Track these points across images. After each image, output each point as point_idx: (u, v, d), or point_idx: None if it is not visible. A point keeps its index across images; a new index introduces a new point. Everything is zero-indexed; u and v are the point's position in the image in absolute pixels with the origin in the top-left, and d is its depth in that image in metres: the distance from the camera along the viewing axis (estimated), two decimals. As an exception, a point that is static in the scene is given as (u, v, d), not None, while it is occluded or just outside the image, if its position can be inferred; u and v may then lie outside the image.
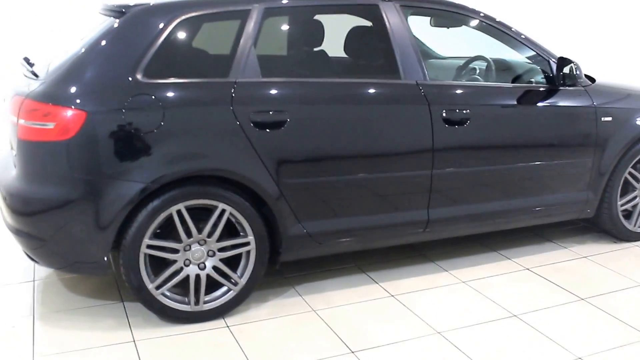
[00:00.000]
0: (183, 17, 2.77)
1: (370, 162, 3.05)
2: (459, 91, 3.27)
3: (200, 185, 2.72)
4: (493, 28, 3.42)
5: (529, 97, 3.39)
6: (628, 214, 3.83)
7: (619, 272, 3.46)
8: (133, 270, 2.69)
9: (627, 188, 3.77)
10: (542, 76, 3.49)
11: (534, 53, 3.49)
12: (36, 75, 2.81)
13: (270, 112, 2.80)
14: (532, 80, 3.48)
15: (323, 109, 2.94)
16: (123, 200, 2.59)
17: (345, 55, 3.39)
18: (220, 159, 2.74)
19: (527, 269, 3.48)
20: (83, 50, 2.71)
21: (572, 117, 3.50)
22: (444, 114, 3.11)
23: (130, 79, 2.63)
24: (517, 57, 3.62)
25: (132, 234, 2.64)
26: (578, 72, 3.37)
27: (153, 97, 2.64)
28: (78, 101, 2.57)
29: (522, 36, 3.47)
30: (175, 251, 2.77)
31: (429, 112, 3.09)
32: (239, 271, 2.89)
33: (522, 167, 3.41)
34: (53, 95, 2.58)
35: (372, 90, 3.07)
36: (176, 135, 2.66)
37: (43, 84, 2.64)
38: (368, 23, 3.29)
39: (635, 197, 3.81)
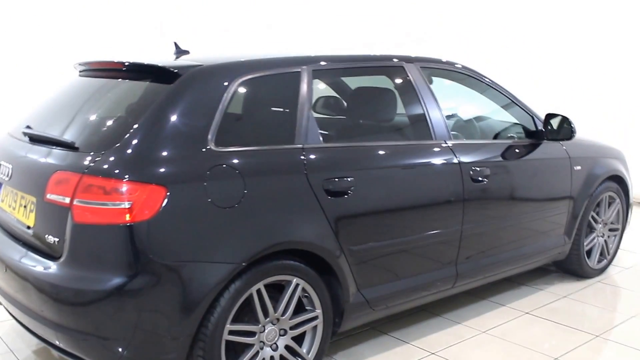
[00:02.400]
0: (242, 80, 2.59)
1: (419, 222, 3.08)
2: (478, 149, 3.44)
3: (279, 260, 2.53)
4: (491, 88, 3.67)
5: (526, 152, 3.67)
6: (587, 253, 4.28)
7: (605, 307, 3.85)
8: None
9: (588, 230, 4.23)
10: (522, 132, 3.80)
11: (522, 111, 3.80)
12: (70, 146, 2.43)
13: (338, 179, 2.72)
14: (514, 135, 3.78)
15: (381, 173, 2.92)
16: (210, 284, 2.32)
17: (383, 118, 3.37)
18: (301, 231, 2.59)
19: (527, 313, 3.72)
20: (138, 116, 2.41)
21: (556, 167, 3.86)
22: (471, 172, 3.26)
23: (204, 149, 2.39)
24: (500, 114, 3.93)
25: (214, 320, 2.37)
26: (573, 126, 3.73)
27: (231, 167, 2.42)
28: (156, 176, 2.27)
29: (514, 96, 3.77)
30: (253, 334, 2.53)
31: (460, 172, 3.22)
32: (304, 347, 2.72)
33: (524, 216, 3.68)
34: (127, 170, 2.25)
35: (416, 153, 3.12)
36: (259, 207, 2.47)
37: (104, 158, 2.29)
38: (391, 84, 3.35)
39: (594, 238, 4.28)
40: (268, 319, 2.56)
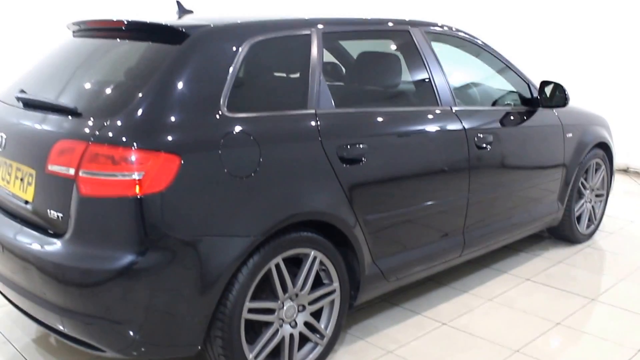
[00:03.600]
0: (253, 41, 2.42)
1: (430, 190, 3.00)
2: (481, 116, 3.37)
3: (297, 233, 2.40)
4: (489, 54, 3.60)
5: (524, 119, 3.63)
6: (577, 219, 4.30)
7: (596, 271, 3.89)
8: (234, 342, 2.26)
9: (577, 196, 4.25)
10: (517, 98, 3.75)
11: (517, 77, 3.75)
12: (72, 112, 2.22)
13: (352, 146, 2.59)
14: (510, 102, 3.73)
15: (393, 139, 2.82)
16: (228, 259, 2.17)
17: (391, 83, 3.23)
18: (318, 201, 2.46)
19: (527, 279, 3.72)
20: (145, 79, 2.21)
21: (551, 134, 3.84)
22: (475, 139, 3.19)
23: (217, 114, 2.22)
24: (494, 80, 3.87)
25: (233, 299, 2.22)
26: (567, 94, 3.71)
27: (246, 134, 2.26)
28: (169, 144, 2.09)
29: (510, 62, 3.72)
30: (272, 311, 2.40)
31: (465, 138, 3.14)
32: (322, 323, 2.61)
33: (523, 183, 3.65)
34: (138, 137, 2.06)
35: (426, 119, 3.02)
36: (276, 176, 2.32)
37: (112, 124, 2.09)
38: (396, 48, 3.23)
39: (583, 204, 4.31)
40: (287, 294, 2.43)
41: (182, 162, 2.08)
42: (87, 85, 2.47)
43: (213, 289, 2.16)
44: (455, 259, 3.31)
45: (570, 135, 3.98)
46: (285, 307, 2.43)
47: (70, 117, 2.23)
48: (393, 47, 3.20)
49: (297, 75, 2.61)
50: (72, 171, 2.08)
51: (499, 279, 3.71)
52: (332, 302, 2.62)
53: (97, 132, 2.08)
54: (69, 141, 2.13)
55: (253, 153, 2.26)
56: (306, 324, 2.53)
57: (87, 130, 2.12)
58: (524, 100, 3.73)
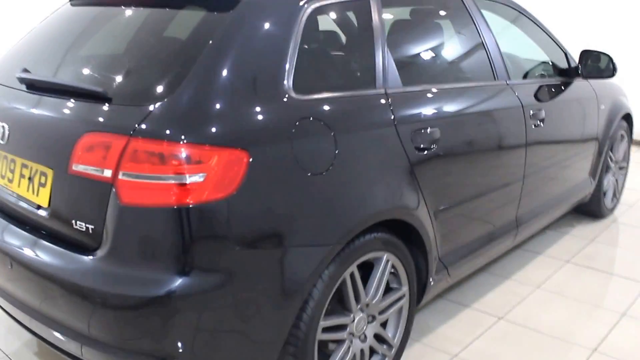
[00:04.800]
0: (313, 7, 2.00)
1: (496, 174, 2.69)
2: (532, 89, 3.05)
3: (372, 234, 2.04)
4: (525, 20, 3.27)
5: (566, 91, 3.34)
6: (603, 193, 4.10)
7: (634, 249, 3.71)
8: None
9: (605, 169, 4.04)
10: (550, 69, 3.45)
11: (553, 45, 3.44)
12: (99, 96, 1.77)
13: (424, 130, 2.23)
14: (544, 74, 3.43)
15: (463, 120, 2.47)
16: (305, 274, 1.80)
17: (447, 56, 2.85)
18: (396, 196, 2.10)
19: (567, 261, 3.49)
20: (191, 54, 1.78)
21: (589, 107, 3.58)
22: (531, 116, 2.89)
23: (285, 97, 1.82)
24: (529, 48, 3.55)
25: (307, 318, 1.86)
26: (615, 64, 3.43)
27: (320, 121, 1.87)
28: (234, 136, 1.68)
29: (545, 27, 3.40)
30: (344, 327, 2.05)
31: (523, 115, 2.83)
32: (389, 332, 2.29)
33: (568, 160, 3.40)
34: (195, 129, 1.64)
35: (488, 95, 2.68)
36: (353, 170, 1.95)
37: (158, 113, 1.66)
38: (447, 15, 2.85)
39: (609, 177, 4.11)
40: (359, 306, 2.08)
41: (251, 159, 1.67)
42: (111, 63, 2.01)
43: (288, 312, 1.79)
44: (509, 245, 3.04)
45: (603, 107, 3.74)
46: (356, 320, 2.09)
47: (98, 103, 1.77)
48: (443, 13, 2.82)
49: (362, 47, 2.20)
50: (108, 173, 1.65)
51: (536, 262, 3.47)
52: (401, 308, 2.29)
53: (139, 123, 1.64)
54: (101, 134, 1.69)
55: (328, 144, 1.87)
56: (375, 336, 2.20)
57: (125, 120, 1.67)
58: (560, 71, 3.43)
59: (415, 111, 2.23)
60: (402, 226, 2.19)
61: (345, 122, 1.95)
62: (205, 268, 1.65)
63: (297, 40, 1.89)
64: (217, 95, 1.70)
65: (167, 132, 1.62)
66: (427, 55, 2.64)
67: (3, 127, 1.96)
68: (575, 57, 3.51)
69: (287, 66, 1.84)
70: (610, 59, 3.41)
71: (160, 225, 1.62)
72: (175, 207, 1.60)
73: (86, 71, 2.01)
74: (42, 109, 1.91)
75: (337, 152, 1.88)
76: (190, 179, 1.60)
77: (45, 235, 1.86)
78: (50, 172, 1.82)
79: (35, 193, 1.87)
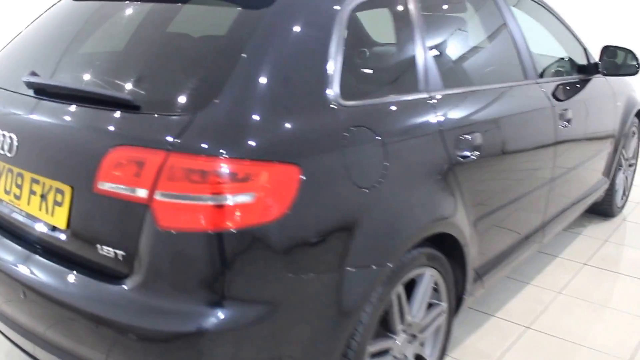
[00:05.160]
0: (355, 4, 1.82)
1: (530, 178, 2.57)
2: (560, 88, 2.92)
3: (416, 250, 1.88)
4: (545, 12, 3.13)
5: (587, 88, 3.23)
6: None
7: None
8: None
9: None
10: (568, 65, 3.32)
11: (572, 40, 3.32)
12: (125, 104, 1.57)
13: (466, 135, 2.08)
14: (564, 70, 3.30)
15: (501, 124, 2.32)
16: (357, 298, 1.65)
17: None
18: (443, 208, 1.95)
19: (584, 264, 3.40)
20: (227, 56, 1.60)
21: (607, 104, 3.48)
22: (559, 115, 2.77)
23: (333, 104, 1.64)
24: (547, 44, 3.42)
25: (356, 345, 1.70)
26: (639, 60, 3.31)
27: (370, 130, 1.71)
28: (284, 149, 1.51)
29: (565, 21, 3.27)
30: (388, 351, 1.90)
31: (553, 115, 2.71)
32: (426, 350, 2.15)
33: (588, 160, 3.29)
34: (243, 143, 1.46)
35: (520, 96, 2.54)
36: (403, 183, 1.79)
37: (199, 124, 1.47)
38: (471, 10, 2.69)
39: (620, 175, 4.03)
40: (403, 326, 1.93)
41: (303, 174, 1.50)
42: (134, 65, 1.81)
43: (337, 342, 1.64)
44: (535, 251, 2.93)
45: (619, 103, 3.64)
46: (400, 343, 1.94)
47: (125, 112, 1.57)
48: (475, 10, 2.66)
49: (403, 47, 2.04)
50: (142, 193, 1.46)
51: (554, 265, 3.37)
52: (439, 325, 2.15)
53: (178, 136, 1.46)
54: (133, 149, 1.49)
55: (378, 154, 1.71)
56: (415, 357, 2.06)
57: (160, 132, 1.49)
58: (578, 68, 3.30)
59: (458, 116, 2.08)
60: (444, 238, 2.04)
61: (394, 130, 1.79)
62: (252, 298, 1.48)
63: (341, 40, 1.72)
64: (263, 103, 1.52)
65: (211, 145, 1.44)
66: (462, 55, 2.48)
67: (10, 137, 1.75)
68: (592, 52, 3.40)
69: (334, 69, 1.66)
70: (634, 56, 3.30)
71: (203, 251, 1.44)
72: (221, 231, 1.42)
73: (105, 74, 1.80)
74: (57, 118, 1.70)
75: (386, 163, 1.72)
76: (238, 200, 1.42)
77: (63, 260, 1.65)
78: (68, 190, 1.62)
79: (49, 212, 1.67)
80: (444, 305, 2.12)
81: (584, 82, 3.20)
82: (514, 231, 2.61)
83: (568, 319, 2.81)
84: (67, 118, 1.67)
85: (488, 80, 2.48)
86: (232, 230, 1.42)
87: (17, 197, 1.77)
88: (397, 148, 1.76)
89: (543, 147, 2.63)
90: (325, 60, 1.66)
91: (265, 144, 1.48)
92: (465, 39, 2.54)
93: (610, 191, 3.86)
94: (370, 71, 1.94)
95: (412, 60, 1.98)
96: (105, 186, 1.51)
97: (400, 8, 2.03)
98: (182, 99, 1.56)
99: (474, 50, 2.55)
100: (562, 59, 3.32)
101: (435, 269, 2.00)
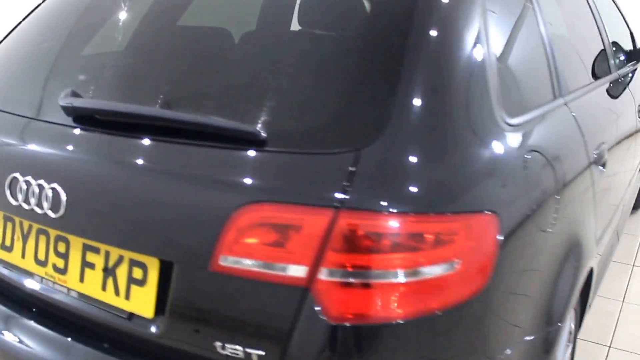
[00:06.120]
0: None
1: (623, 183, 2.28)
2: (633, 80, 2.63)
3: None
4: None
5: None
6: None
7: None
8: None
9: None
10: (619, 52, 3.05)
11: (620, 21, 3.02)
12: (249, 137, 1.11)
13: (602, 145, 1.76)
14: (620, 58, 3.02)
15: (620, 129, 2.02)
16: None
17: None
18: (593, 232, 1.63)
19: (633, 265, 3.20)
20: (377, 65, 1.16)
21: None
22: (638, 109, 2.50)
23: (503, 124, 1.25)
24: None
25: None
26: None
27: (542, 155, 1.34)
28: (478, 194, 1.11)
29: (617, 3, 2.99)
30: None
31: (636, 110, 2.44)
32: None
33: None
34: (446, 190, 1.07)
35: (621, 92, 2.23)
36: (572, 213, 1.48)
37: (373, 167, 1.04)
38: None
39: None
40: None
41: (500, 224, 1.11)
42: (249, 79, 1.30)
43: None
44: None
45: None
46: None
47: (251, 151, 1.11)
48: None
49: (534, 46, 1.65)
50: (299, 271, 1.02)
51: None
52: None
53: (345, 186, 1.02)
54: (277, 207, 1.04)
55: (552, 185, 1.35)
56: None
57: (316, 180, 1.05)
58: (626, 54, 3.03)
59: (592, 122, 1.75)
60: None
61: (557, 151, 1.43)
62: None
63: (488, 40, 1.32)
64: (445, 131, 1.11)
65: (395, 197, 1.02)
66: (572, 52, 2.13)
67: (53, 190, 1.24)
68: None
69: (494, 78, 1.27)
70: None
71: (398, 348, 1.03)
72: (425, 316, 1.02)
73: (202, 93, 1.31)
74: (133, 159, 1.21)
75: (557, 196, 1.36)
76: (438, 271, 1.02)
77: (144, 356, 1.19)
78: (154, 263, 1.15)
79: (120, 294, 1.20)
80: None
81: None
82: (607, 242, 2.33)
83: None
84: (151, 160, 1.19)
85: (594, 79, 2.15)
86: (437, 313, 1.02)
87: (60, 271, 1.27)
88: (564, 173, 1.42)
89: (632, 147, 2.35)
90: (486, 69, 1.26)
91: (456, 188, 1.07)
92: (572, 36, 2.19)
93: (639, 182, 3.68)
94: (518, 77, 1.55)
95: (546, 63, 1.62)
96: (231, 262, 1.05)
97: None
98: (335, 130, 1.12)
99: (581, 45, 2.21)
100: (614, 43, 3.03)
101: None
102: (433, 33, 1.17)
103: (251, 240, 1.04)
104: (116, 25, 1.57)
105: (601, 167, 1.75)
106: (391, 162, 1.05)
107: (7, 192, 1.28)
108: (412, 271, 1.00)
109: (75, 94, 1.32)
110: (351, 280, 1.00)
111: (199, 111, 1.26)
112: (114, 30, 1.56)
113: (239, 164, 1.11)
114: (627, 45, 2.92)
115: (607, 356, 2.40)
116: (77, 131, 1.28)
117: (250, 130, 1.10)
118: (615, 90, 2.30)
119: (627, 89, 2.41)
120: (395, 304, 1.01)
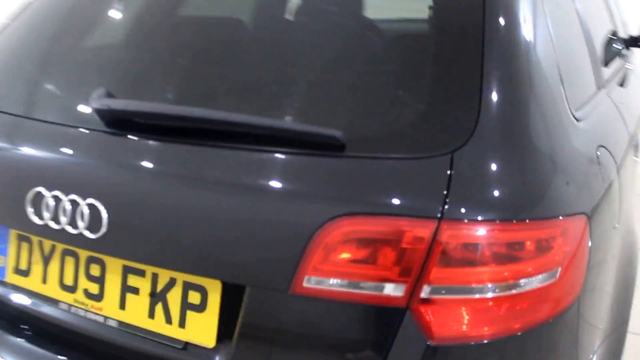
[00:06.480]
0: None
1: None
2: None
3: None
4: None
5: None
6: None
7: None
8: None
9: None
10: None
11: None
12: (328, 143, 1.01)
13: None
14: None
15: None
16: None
17: None
18: None
19: None
20: (457, 63, 1.07)
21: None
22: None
23: (576, 120, 1.18)
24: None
25: None
26: None
27: (606, 148, 1.31)
28: (571, 194, 1.04)
29: None
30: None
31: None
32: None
33: None
34: (551, 192, 1.00)
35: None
36: (629, 213, 1.46)
37: (470, 172, 0.95)
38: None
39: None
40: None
41: (590, 226, 1.05)
42: (313, 75, 1.20)
43: None
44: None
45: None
46: None
47: (326, 155, 1.00)
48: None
49: (578, 32, 1.59)
50: (396, 290, 0.93)
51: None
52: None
53: (444, 195, 0.93)
54: (371, 220, 0.94)
55: (615, 177, 1.31)
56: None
57: (410, 189, 0.95)
58: (624, 41, 3.00)
59: (627, 113, 1.72)
60: None
61: (614, 143, 1.40)
62: None
63: (552, 30, 1.25)
64: (531, 130, 1.03)
65: (497, 204, 0.94)
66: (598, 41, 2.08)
67: (91, 207, 1.10)
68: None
69: (563, 69, 1.20)
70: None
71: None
72: (531, 329, 0.95)
73: (262, 91, 1.18)
74: (187, 170, 1.09)
75: (620, 185, 1.32)
76: (543, 280, 0.95)
77: None
78: (215, 287, 1.04)
79: (175, 322, 1.08)
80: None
81: None
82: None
83: None
84: (213, 170, 1.06)
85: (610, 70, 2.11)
86: (543, 325, 0.95)
87: (94, 297, 1.14)
88: (620, 166, 1.39)
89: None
90: (558, 59, 1.19)
91: (549, 191, 1.00)
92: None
93: None
94: (574, 67, 1.48)
95: (586, 50, 1.56)
96: (317, 283, 0.95)
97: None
98: (423, 132, 1.02)
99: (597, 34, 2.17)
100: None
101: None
102: (506, 25, 1.10)
103: (341, 258, 0.94)
104: (141, 18, 1.43)
105: (635, 157, 1.72)
106: (485, 165, 0.96)
107: (29, 210, 1.14)
108: (518, 283, 0.93)
109: (109, 95, 1.18)
110: (458, 296, 0.92)
111: (266, 113, 1.14)
112: (137, 23, 1.42)
113: (321, 172, 1.00)
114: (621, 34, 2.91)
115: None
116: (114, 137, 1.13)
117: (332, 134, 1.00)
118: (625, 80, 2.28)
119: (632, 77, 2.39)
120: (504, 320, 0.93)
